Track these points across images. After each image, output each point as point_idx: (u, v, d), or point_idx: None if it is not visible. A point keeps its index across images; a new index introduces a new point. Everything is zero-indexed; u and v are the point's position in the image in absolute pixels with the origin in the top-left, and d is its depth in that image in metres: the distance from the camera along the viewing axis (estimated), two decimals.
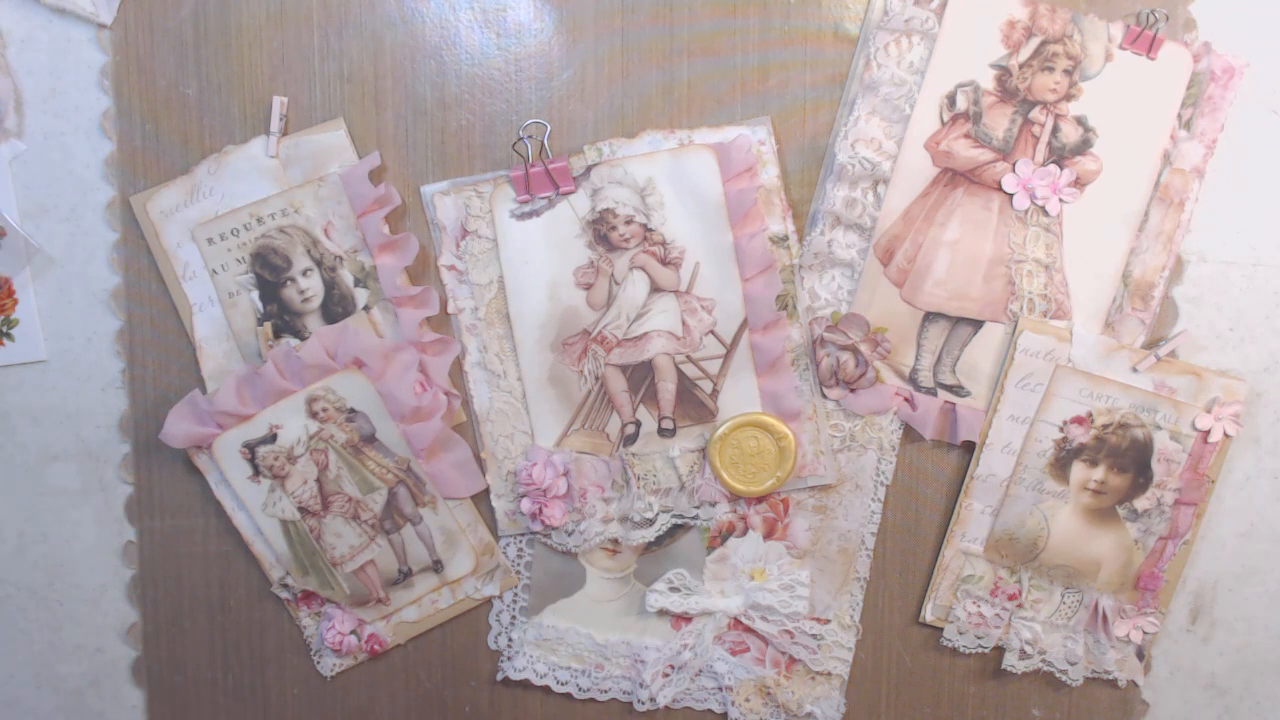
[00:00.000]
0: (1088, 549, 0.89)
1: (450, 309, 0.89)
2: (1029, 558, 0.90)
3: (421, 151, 0.89)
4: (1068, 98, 0.84)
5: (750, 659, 0.92)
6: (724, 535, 0.91)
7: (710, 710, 0.94)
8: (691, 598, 0.91)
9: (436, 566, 0.92)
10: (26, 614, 0.96)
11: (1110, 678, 0.91)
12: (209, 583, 0.94)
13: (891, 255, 0.86)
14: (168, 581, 0.94)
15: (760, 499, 0.90)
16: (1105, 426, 0.86)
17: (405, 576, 0.92)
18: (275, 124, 0.87)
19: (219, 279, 0.89)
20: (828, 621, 0.91)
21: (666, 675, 0.92)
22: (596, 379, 0.89)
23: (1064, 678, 0.91)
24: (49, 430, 0.93)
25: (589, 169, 0.86)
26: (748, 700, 0.92)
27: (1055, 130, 0.84)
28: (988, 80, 0.84)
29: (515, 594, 0.93)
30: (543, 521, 0.89)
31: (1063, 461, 0.87)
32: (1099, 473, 0.87)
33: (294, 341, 0.89)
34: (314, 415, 0.88)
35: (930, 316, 0.87)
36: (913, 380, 0.88)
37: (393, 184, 0.88)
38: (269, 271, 0.89)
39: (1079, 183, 0.85)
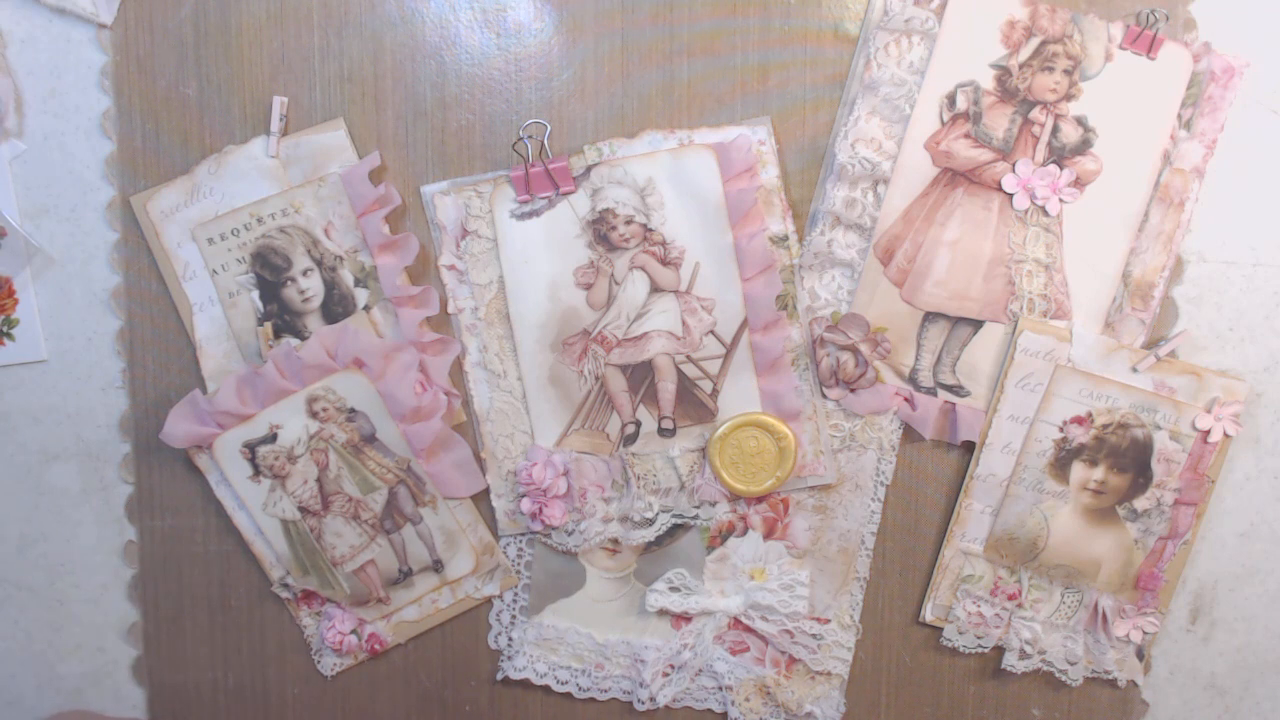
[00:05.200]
0: (1088, 549, 0.89)
1: (450, 309, 0.89)
2: (1029, 558, 0.90)
3: (421, 151, 0.89)
4: (1068, 98, 0.84)
5: (750, 659, 0.92)
6: (724, 535, 0.91)
7: (710, 710, 0.94)
8: (691, 597, 0.91)
9: (437, 566, 0.92)
10: (27, 614, 0.96)
11: (1110, 678, 0.91)
12: (209, 582, 0.94)
13: (891, 255, 0.86)
14: (168, 581, 0.94)
15: (760, 499, 0.90)
16: (1105, 426, 0.86)
17: (405, 576, 0.92)
18: (275, 124, 0.87)
19: (219, 279, 0.89)
20: (828, 621, 0.91)
21: (666, 675, 0.92)
22: (596, 379, 0.89)
23: (1064, 678, 0.91)
24: (49, 430, 0.93)
25: (589, 169, 0.86)
26: (748, 700, 0.92)
27: (1055, 130, 0.84)
28: (988, 80, 0.84)
29: (515, 594, 0.93)
30: (543, 521, 0.89)
31: (1063, 461, 0.87)
32: (1099, 473, 0.87)
33: (294, 341, 0.89)
34: (314, 415, 0.88)
35: (930, 316, 0.87)
36: (913, 380, 0.88)
37: (393, 184, 0.88)
38: (269, 271, 0.89)
39: (1079, 183, 0.85)
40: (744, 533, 0.91)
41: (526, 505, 0.88)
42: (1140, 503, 0.88)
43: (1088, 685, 0.92)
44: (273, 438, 0.88)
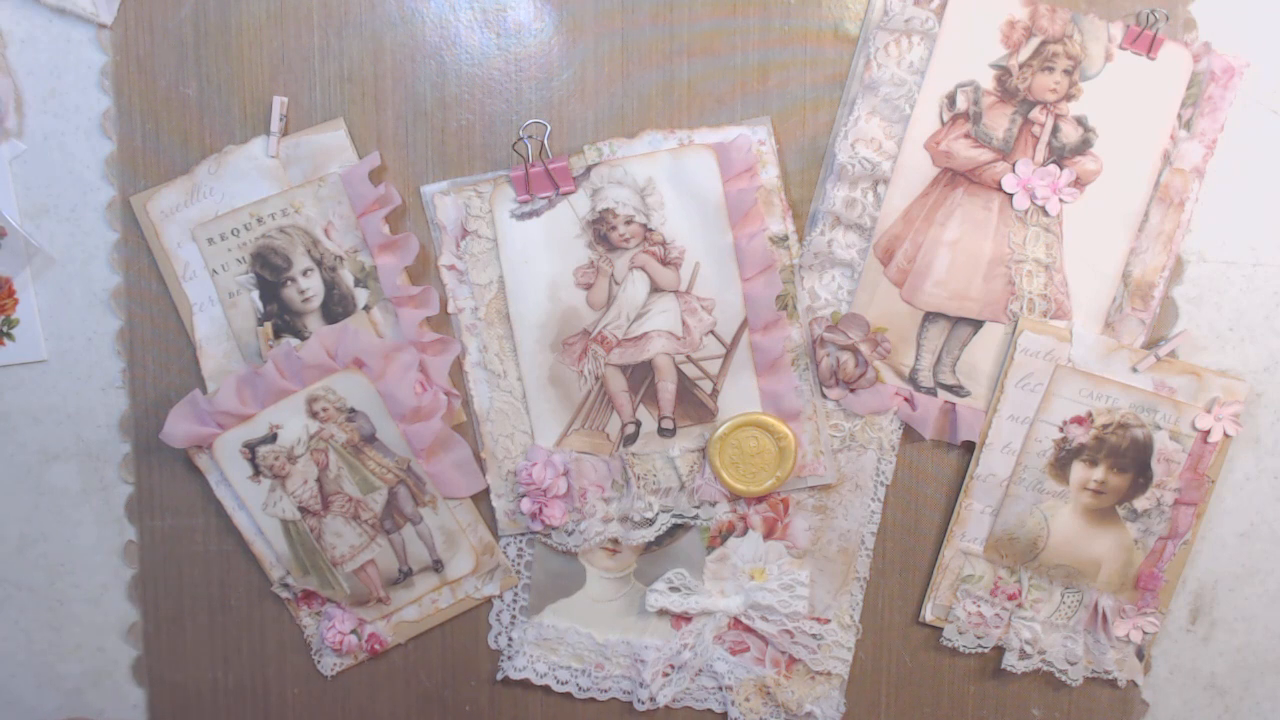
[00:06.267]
0: (1088, 549, 0.89)
1: (450, 309, 0.89)
2: (1029, 558, 0.90)
3: (421, 151, 0.89)
4: (1068, 98, 0.84)
5: (750, 659, 0.92)
6: (724, 535, 0.91)
7: (710, 710, 0.94)
8: (691, 597, 0.91)
9: (437, 566, 0.92)
10: (27, 614, 0.96)
11: (1110, 678, 0.91)
12: (209, 582, 0.94)
13: (891, 255, 0.86)
14: (168, 581, 0.94)
15: (760, 499, 0.90)
16: (1105, 426, 0.86)
17: (405, 576, 0.92)
18: (275, 124, 0.87)
19: (219, 279, 0.89)
20: (828, 621, 0.91)
21: (666, 675, 0.92)
22: (596, 379, 0.89)
23: (1064, 678, 0.91)
24: (49, 430, 0.93)
25: (589, 169, 0.86)
26: (748, 700, 0.92)
27: (1055, 130, 0.84)
28: (988, 80, 0.84)
29: (515, 594, 0.93)
30: (543, 521, 0.89)
31: (1063, 461, 0.87)
32: (1099, 473, 0.87)
33: (294, 341, 0.89)
34: (314, 415, 0.88)
35: (930, 316, 0.87)
36: (913, 380, 0.88)
37: (393, 184, 0.88)
38: (269, 271, 0.89)
39: (1079, 183, 0.85)
40: (744, 533, 0.91)
41: (526, 505, 0.89)
42: (1140, 503, 0.88)
43: (1088, 685, 0.92)
44: (273, 438, 0.88)
